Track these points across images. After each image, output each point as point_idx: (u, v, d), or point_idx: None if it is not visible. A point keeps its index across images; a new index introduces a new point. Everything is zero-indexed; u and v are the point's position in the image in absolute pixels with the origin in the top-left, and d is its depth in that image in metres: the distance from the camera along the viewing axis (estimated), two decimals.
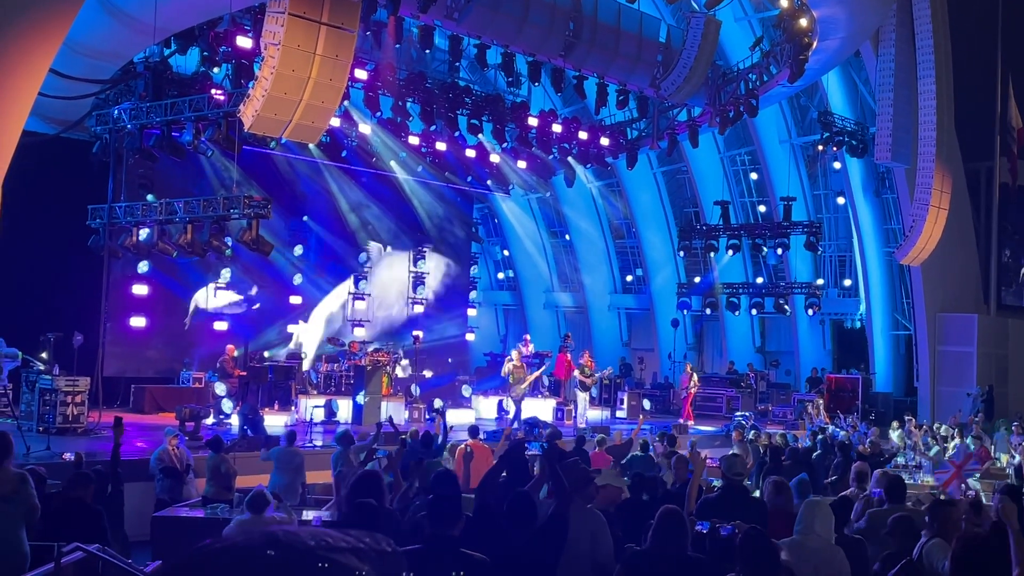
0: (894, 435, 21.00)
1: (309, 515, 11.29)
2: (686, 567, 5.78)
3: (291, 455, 12.89)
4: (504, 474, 8.13)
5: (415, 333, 26.16)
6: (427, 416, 21.57)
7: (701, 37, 22.80)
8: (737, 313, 30.37)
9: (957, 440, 19.93)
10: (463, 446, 13.92)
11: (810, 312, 29.27)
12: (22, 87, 13.55)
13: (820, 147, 28.73)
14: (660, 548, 5.82)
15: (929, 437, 19.97)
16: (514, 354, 22.50)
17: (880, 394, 29.33)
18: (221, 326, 23.53)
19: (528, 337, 26.30)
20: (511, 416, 21.59)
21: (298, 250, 25.99)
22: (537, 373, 23.02)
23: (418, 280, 29.30)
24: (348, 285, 27.22)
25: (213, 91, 18.05)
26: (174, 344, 23.71)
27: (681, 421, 23.67)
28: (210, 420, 18.69)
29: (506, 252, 37.09)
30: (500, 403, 23.48)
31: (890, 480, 9.05)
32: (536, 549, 5.68)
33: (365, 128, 24.38)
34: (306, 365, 23.74)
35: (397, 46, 21.90)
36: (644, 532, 6.14)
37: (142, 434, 17.16)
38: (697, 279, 32.04)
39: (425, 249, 29.52)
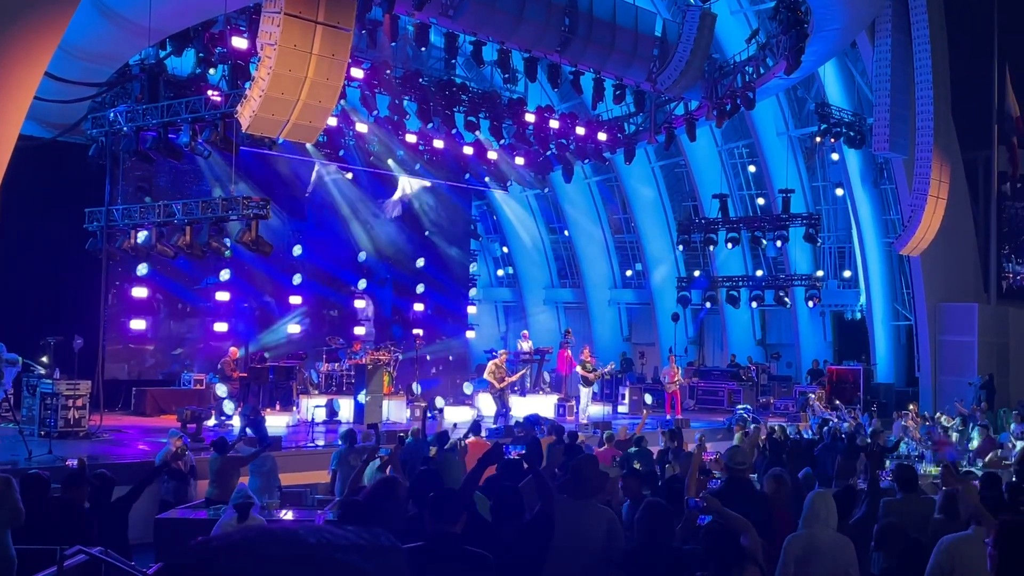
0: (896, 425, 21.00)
1: (288, 515, 11.50)
2: (676, 559, 5.77)
3: (263, 459, 12.93)
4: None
5: (415, 331, 26.16)
6: (428, 415, 21.58)
7: (696, 30, 22.79)
8: (737, 306, 30.35)
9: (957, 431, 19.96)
10: (464, 443, 13.92)
11: (810, 304, 29.25)
12: (18, 91, 13.53)
13: (818, 139, 28.72)
14: (648, 542, 5.81)
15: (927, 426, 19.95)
16: (501, 354, 22.59)
17: (881, 385, 29.33)
18: (221, 327, 23.53)
19: (526, 332, 26.30)
20: (495, 413, 21.61)
21: (297, 250, 25.98)
22: (517, 375, 23.02)
23: (417, 278, 29.27)
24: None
25: (210, 92, 18.03)
26: (174, 346, 23.71)
27: (669, 416, 23.46)
28: (211, 422, 18.68)
29: (505, 249, 37.09)
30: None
31: (901, 470, 9.06)
32: (522, 546, 5.67)
33: (362, 127, 24.35)
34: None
35: (393, 44, 21.84)
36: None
37: (144, 437, 17.17)
38: (697, 273, 32.01)
39: (424, 247, 29.50)
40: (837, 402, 25.16)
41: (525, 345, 25.25)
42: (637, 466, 11.98)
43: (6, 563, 6.96)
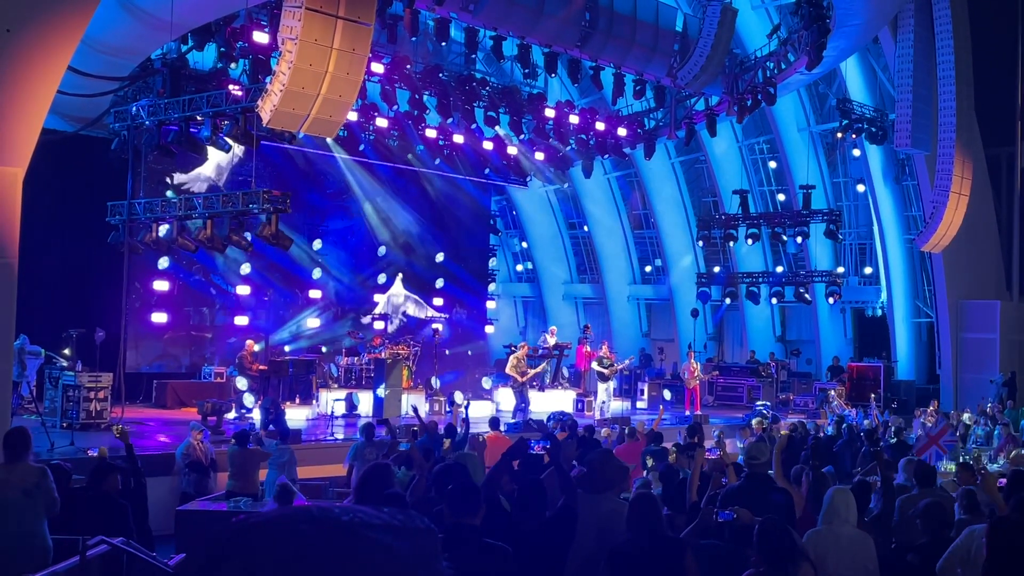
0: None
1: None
2: (663, 549, 5.76)
3: (280, 452, 13.04)
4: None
5: (435, 326, 26.19)
6: (447, 409, 21.64)
7: (717, 25, 22.72)
8: (757, 302, 30.24)
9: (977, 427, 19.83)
10: (482, 438, 13.98)
11: (831, 301, 29.11)
12: (41, 85, 13.61)
13: (839, 134, 28.57)
14: (636, 535, 5.81)
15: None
16: (522, 346, 22.61)
17: (902, 382, 29.17)
18: (242, 321, 23.65)
19: (554, 329, 26.21)
20: (513, 407, 21.59)
21: (317, 244, 26.08)
22: (539, 368, 23.02)
23: (437, 273, 29.31)
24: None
25: (230, 87, 18.07)
26: (195, 339, 23.84)
27: (688, 412, 23.41)
28: (232, 414, 18.78)
29: (524, 244, 37.08)
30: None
31: (920, 466, 9.05)
32: (544, 539, 5.68)
33: (382, 122, 24.40)
34: None
35: (413, 39, 21.88)
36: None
37: (165, 429, 17.27)
38: (717, 269, 31.90)
39: (444, 242, 29.53)
40: (872, 396, 24.95)
41: (551, 340, 25.22)
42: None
43: (43, 551, 7.06)
